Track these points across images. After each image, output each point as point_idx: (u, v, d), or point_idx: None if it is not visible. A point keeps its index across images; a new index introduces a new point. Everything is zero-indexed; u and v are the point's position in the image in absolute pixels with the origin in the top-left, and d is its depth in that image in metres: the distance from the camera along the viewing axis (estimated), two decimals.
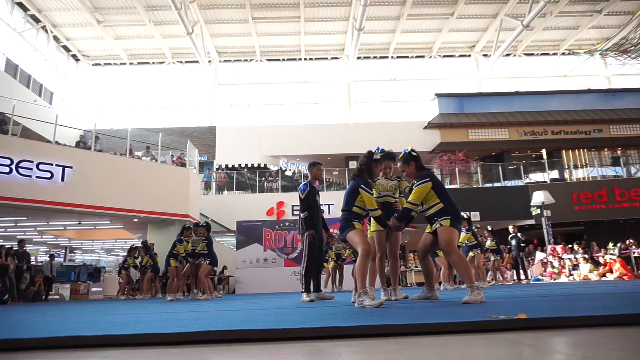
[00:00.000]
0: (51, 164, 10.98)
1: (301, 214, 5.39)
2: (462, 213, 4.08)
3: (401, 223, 3.96)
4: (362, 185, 3.78)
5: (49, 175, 10.89)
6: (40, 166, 10.81)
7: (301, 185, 5.48)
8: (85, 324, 2.87)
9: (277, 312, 3.31)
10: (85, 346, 1.86)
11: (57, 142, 11.89)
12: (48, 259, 13.19)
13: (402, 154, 4.09)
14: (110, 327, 2.43)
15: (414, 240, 18.10)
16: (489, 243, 10.57)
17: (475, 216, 15.22)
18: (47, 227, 15.14)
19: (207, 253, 8.33)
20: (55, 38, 20.95)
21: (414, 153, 4.04)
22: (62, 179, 11.06)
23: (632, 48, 15.33)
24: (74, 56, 22.86)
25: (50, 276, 12.80)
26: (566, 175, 19.08)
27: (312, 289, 5.41)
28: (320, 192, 5.77)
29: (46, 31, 20.26)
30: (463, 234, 8.96)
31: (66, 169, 11.18)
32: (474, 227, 9.33)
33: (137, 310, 4.76)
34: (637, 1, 17.61)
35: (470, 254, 8.92)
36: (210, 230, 8.70)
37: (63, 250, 22.30)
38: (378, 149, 4.23)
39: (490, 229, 10.86)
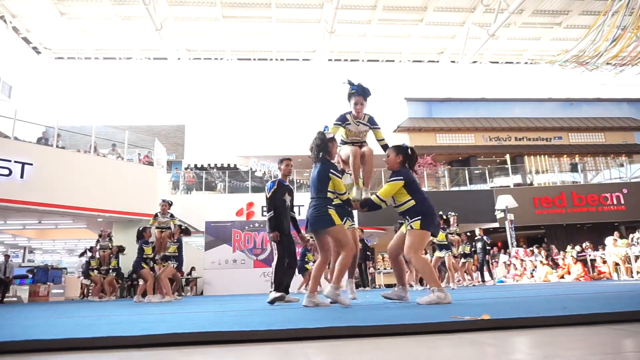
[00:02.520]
0: (9, 161, 10.51)
1: (267, 214, 5.32)
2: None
3: (364, 209, 4.01)
4: (331, 171, 3.90)
5: (7, 172, 10.42)
6: None
7: (269, 183, 5.41)
8: (43, 327, 2.76)
9: (245, 314, 3.28)
10: (43, 350, 1.79)
11: (16, 138, 11.38)
12: (3, 260, 12.57)
13: (400, 145, 4.04)
14: (71, 330, 2.34)
15: (383, 242, 18.31)
16: (464, 247, 10.85)
17: None
18: (4, 226, 14.48)
19: (177, 256, 8.39)
20: (15, 29, 20.04)
21: (409, 151, 3.95)
22: (22, 176, 10.61)
23: (589, 60, 16.08)
24: (34, 48, 21.91)
25: (4, 277, 12.21)
26: (528, 180, 19.74)
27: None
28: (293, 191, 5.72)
29: (5, 21, 19.35)
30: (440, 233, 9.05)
31: (26, 165, 10.73)
32: (448, 230, 9.56)
33: (101, 312, 4.62)
34: (594, 16, 18.46)
35: (439, 254, 9.08)
36: (188, 234, 8.64)
37: (22, 251, 21.40)
38: (326, 128, 4.24)
39: (467, 234, 11.20)
